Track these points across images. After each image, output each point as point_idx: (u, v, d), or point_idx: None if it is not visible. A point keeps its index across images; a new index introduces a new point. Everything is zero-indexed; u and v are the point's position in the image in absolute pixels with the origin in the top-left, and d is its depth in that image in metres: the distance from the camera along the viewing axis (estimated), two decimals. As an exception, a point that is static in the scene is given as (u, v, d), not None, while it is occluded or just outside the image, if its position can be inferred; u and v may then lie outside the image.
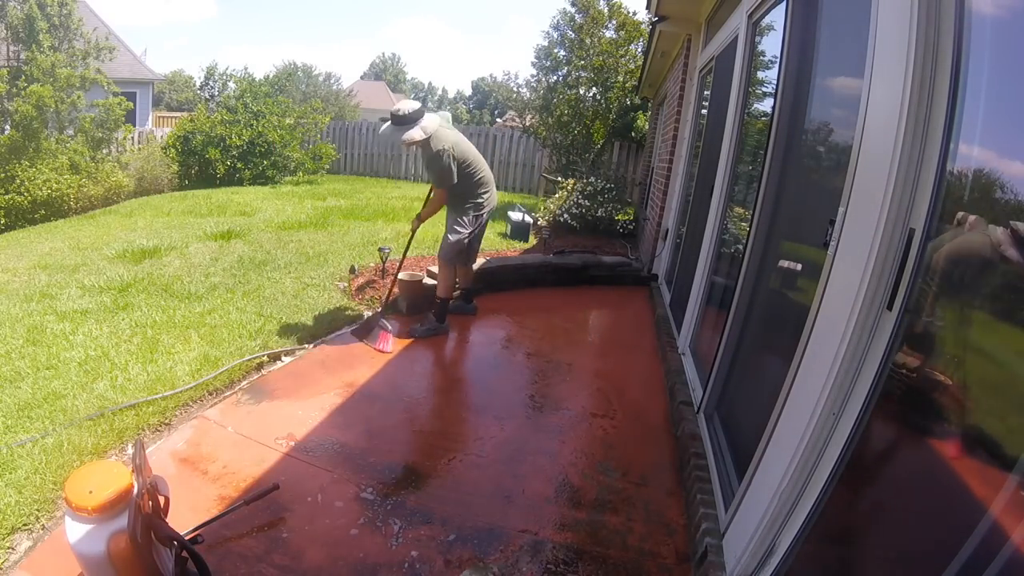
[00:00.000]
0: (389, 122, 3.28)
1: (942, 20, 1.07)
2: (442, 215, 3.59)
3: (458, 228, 3.44)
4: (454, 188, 3.36)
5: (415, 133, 3.16)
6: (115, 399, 2.37)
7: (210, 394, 2.56)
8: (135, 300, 3.58)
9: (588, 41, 9.25)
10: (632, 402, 2.88)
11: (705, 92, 3.88)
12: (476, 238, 3.61)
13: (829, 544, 1.35)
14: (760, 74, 2.63)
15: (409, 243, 3.68)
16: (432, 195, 3.47)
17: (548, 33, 10.13)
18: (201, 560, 1.46)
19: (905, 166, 1.10)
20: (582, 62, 9.36)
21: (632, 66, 9.02)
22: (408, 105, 3.24)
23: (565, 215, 6.53)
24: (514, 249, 5.76)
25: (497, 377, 3.12)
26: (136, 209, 7.47)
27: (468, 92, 59.73)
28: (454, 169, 3.28)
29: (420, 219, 3.51)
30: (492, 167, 3.71)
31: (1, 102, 8.29)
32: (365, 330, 3.35)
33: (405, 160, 12.91)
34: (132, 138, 10.29)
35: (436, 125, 3.25)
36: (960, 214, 1.02)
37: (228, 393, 2.61)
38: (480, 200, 3.46)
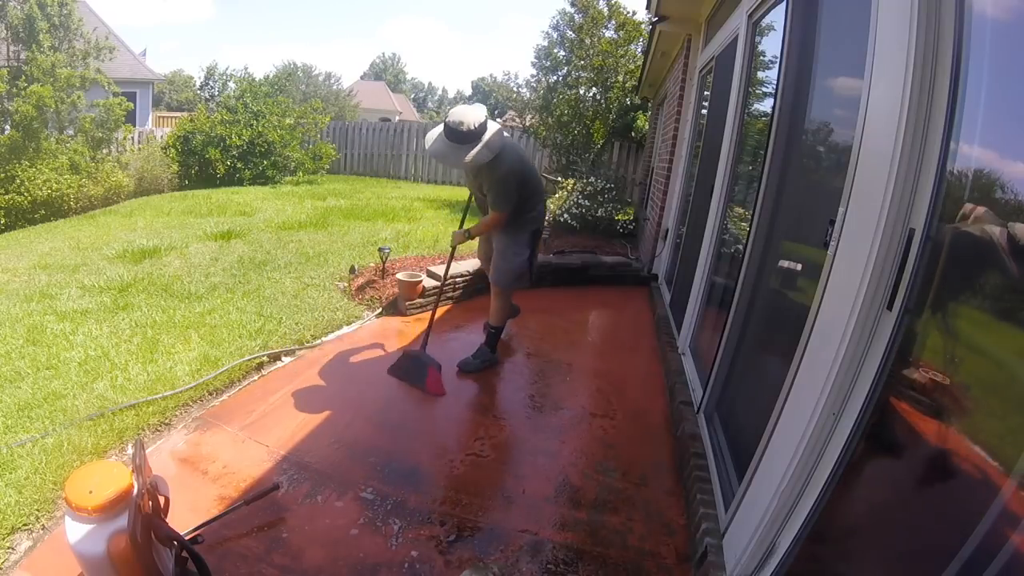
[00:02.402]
0: (439, 132, 2.68)
1: (942, 20, 1.07)
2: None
3: (518, 250, 2.99)
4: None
5: (481, 155, 2.59)
6: (115, 399, 2.37)
7: (210, 394, 2.56)
8: (135, 300, 3.58)
9: (588, 41, 9.24)
10: (632, 402, 2.88)
11: (705, 92, 3.88)
12: (535, 255, 3.17)
13: (830, 544, 1.35)
14: (760, 74, 2.63)
15: (450, 261, 3.29)
16: (488, 216, 2.91)
17: (548, 33, 10.12)
18: (201, 560, 1.46)
19: (905, 166, 1.10)
20: (582, 62, 9.34)
21: (632, 66, 9.01)
22: (473, 116, 2.58)
23: (565, 215, 6.53)
24: (514, 249, 5.75)
25: (497, 377, 3.12)
26: (136, 209, 7.47)
27: (468, 92, 59.86)
28: (516, 193, 2.79)
29: (469, 235, 2.95)
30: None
31: (1, 102, 8.29)
32: (402, 368, 2.90)
33: (405, 160, 12.90)
34: (132, 138, 10.27)
35: (500, 140, 2.68)
36: (967, 206, 1.01)
37: (228, 393, 2.61)
38: (535, 213, 3.00)
